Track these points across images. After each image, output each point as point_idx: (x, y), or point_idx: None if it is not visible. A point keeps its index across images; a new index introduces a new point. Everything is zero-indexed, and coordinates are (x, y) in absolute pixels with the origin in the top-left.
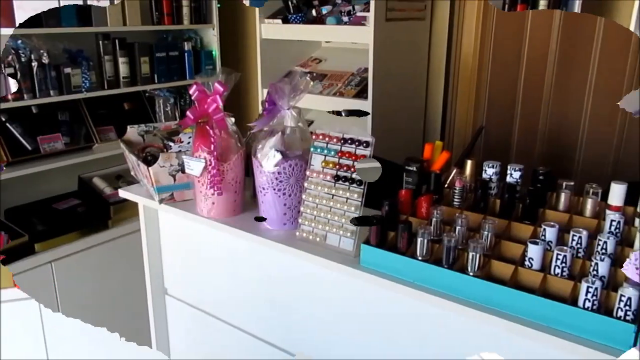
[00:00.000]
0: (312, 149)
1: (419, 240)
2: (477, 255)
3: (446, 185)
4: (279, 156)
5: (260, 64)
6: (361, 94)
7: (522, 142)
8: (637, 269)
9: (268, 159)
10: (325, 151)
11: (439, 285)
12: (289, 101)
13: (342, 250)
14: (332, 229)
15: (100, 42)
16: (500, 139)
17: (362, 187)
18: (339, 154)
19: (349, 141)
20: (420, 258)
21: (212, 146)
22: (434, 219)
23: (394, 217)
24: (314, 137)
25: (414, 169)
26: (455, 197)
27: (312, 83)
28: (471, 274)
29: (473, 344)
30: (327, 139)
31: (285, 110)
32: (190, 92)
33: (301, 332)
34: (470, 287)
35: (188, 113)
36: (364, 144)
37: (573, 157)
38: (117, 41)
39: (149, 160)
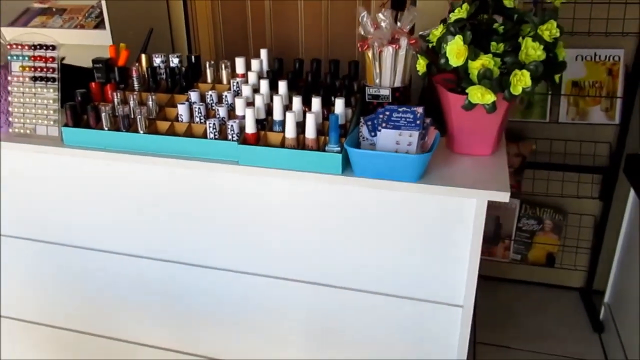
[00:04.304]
0: (9, 58)
1: (102, 115)
2: (143, 119)
3: None
4: None
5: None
6: (101, 24)
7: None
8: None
9: None
10: (21, 58)
11: (121, 146)
12: None
13: (50, 137)
14: (39, 120)
15: None
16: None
17: (56, 83)
18: (33, 58)
19: (38, 47)
20: (106, 128)
21: None
22: (115, 100)
23: (86, 103)
24: (8, 47)
25: (101, 65)
26: (135, 83)
27: None
28: (141, 132)
29: (158, 189)
30: (19, 47)
31: None
32: None
33: (46, 215)
34: (142, 142)
35: None
36: (51, 48)
37: (297, 49)
38: None
39: None
